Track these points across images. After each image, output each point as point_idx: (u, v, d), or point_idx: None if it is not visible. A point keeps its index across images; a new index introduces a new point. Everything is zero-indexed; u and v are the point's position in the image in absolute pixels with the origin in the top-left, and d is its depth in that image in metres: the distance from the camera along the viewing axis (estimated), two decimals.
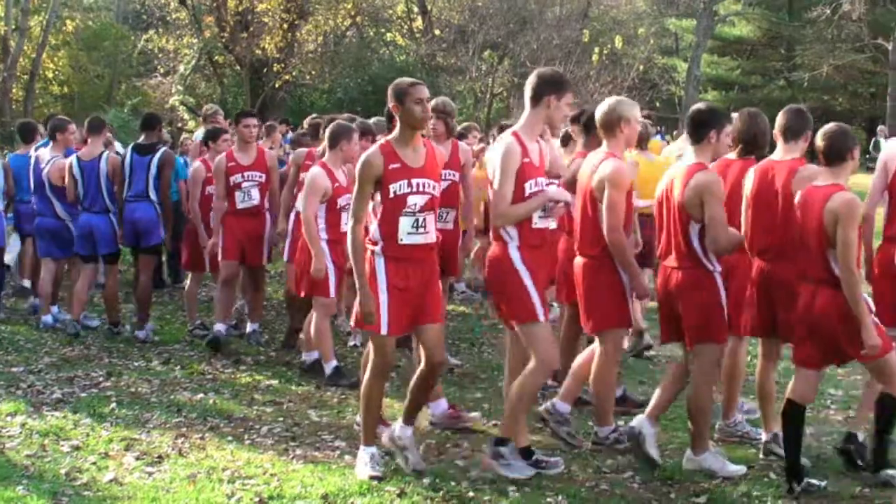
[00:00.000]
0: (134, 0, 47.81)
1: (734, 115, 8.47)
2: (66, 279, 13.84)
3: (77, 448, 8.23)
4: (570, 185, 8.38)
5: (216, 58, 39.45)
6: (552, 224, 7.72)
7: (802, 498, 7.21)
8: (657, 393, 7.99)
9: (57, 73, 40.45)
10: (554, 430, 8.44)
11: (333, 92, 38.81)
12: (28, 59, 37.16)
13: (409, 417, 7.77)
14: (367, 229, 7.50)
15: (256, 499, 7.11)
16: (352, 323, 8.03)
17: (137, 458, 7.98)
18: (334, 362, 10.47)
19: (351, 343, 11.92)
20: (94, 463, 7.87)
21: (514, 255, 7.49)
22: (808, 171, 7.71)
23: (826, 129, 7.36)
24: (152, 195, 12.38)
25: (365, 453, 7.65)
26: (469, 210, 10.93)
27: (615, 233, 7.84)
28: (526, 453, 7.70)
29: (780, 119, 8.07)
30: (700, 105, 8.00)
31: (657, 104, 43.64)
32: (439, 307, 7.78)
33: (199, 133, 16.67)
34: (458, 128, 12.80)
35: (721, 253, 7.50)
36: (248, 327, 12.39)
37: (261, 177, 12.01)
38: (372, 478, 7.43)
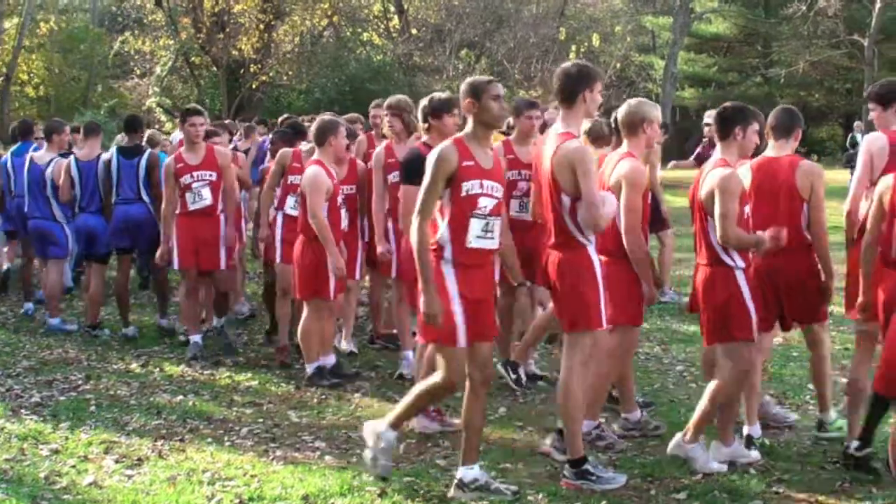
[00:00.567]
0: (110, 2, 47.73)
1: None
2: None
3: (56, 451, 8.20)
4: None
5: (193, 59, 39.43)
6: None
7: (785, 489, 7.24)
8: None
9: (32, 75, 40.29)
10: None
11: (311, 92, 38.82)
12: (3, 61, 37.02)
13: (399, 422, 7.37)
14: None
15: (237, 500, 7.08)
16: (418, 338, 7.81)
17: (117, 461, 7.95)
18: (317, 364, 10.38)
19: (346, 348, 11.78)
20: (73, 466, 7.84)
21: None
22: (808, 167, 7.91)
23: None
24: (145, 197, 12.46)
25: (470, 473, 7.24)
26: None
27: (632, 233, 7.86)
28: (581, 462, 7.48)
29: (771, 118, 8.17)
30: (728, 103, 8.03)
31: None
32: (494, 321, 7.39)
33: (177, 135, 16.66)
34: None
35: (732, 248, 7.47)
36: (214, 321, 12.08)
37: (211, 175, 11.56)
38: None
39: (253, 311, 13.70)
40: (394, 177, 10.22)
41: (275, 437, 8.63)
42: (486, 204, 6.95)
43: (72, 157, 13.01)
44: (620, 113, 8.19)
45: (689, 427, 7.75)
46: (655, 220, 11.54)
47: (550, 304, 8.54)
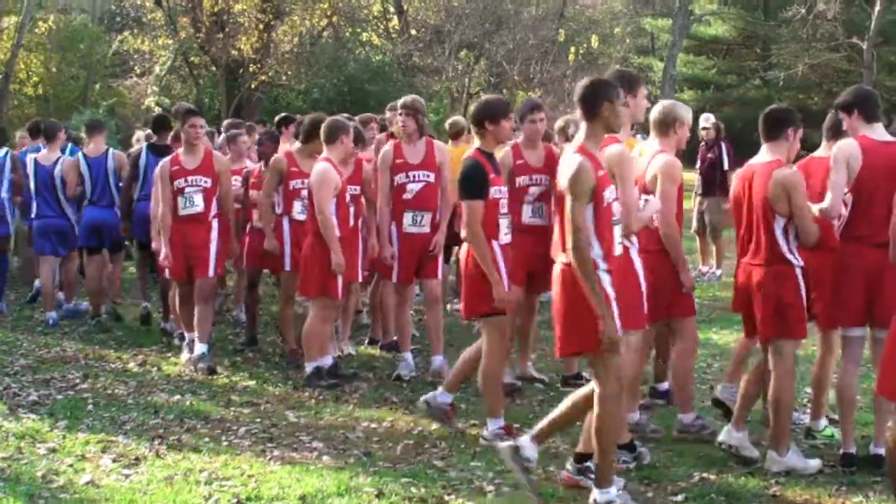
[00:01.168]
0: (109, 1, 47.69)
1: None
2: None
3: (54, 450, 8.20)
4: None
5: (192, 58, 39.36)
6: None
7: (782, 491, 7.25)
8: (738, 398, 8.20)
9: (31, 73, 40.27)
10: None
11: (310, 92, 38.75)
12: (1, 60, 37.00)
13: (544, 437, 7.36)
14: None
15: (234, 500, 7.09)
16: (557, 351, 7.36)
17: (114, 461, 7.96)
18: (317, 363, 10.34)
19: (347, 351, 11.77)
20: (70, 465, 7.85)
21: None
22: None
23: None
24: None
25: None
26: (446, 213, 10.72)
27: (668, 227, 8.00)
28: (630, 447, 7.79)
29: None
30: (775, 105, 8.28)
31: None
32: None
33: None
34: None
35: (809, 244, 7.64)
36: (197, 348, 11.08)
37: (206, 182, 11.17)
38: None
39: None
40: (401, 178, 10.32)
41: (272, 437, 8.63)
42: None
43: (80, 153, 13.62)
44: (653, 113, 8.32)
45: (773, 440, 7.83)
46: None
47: None
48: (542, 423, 7.29)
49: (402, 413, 9.38)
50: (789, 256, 7.62)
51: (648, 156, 8.32)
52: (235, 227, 11.88)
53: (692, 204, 17.13)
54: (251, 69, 36.08)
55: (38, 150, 14.48)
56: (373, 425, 8.99)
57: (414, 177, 10.41)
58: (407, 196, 10.41)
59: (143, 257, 13.42)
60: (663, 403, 9.47)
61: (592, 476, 7.22)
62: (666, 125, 8.24)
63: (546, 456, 8.09)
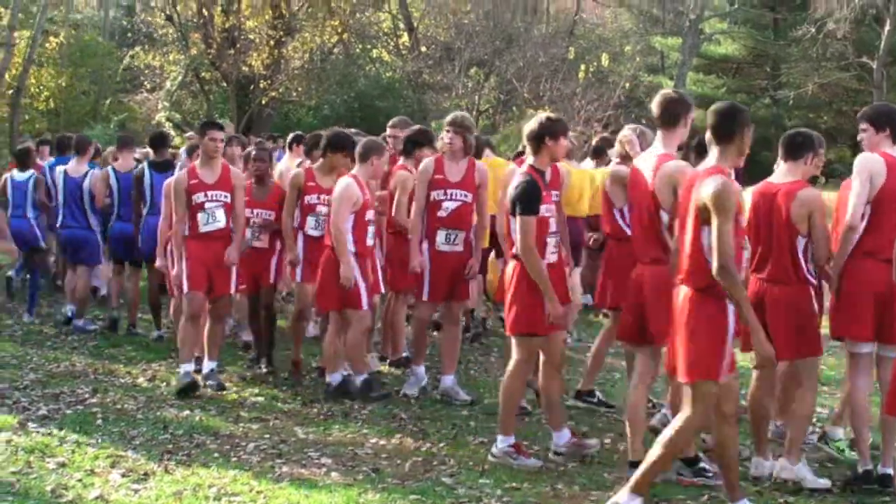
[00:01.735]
0: (120, 16, 47.85)
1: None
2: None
3: (63, 465, 8.20)
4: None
5: (203, 74, 39.48)
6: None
7: None
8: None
9: (42, 88, 40.37)
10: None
11: (320, 108, 38.87)
12: (13, 75, 37.11)
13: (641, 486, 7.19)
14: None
15: None
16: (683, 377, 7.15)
17: (123, 476, 7.96)
18: (365, 374, 10.46)
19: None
20: (79, 480, 7.85)
21: None
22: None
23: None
24: None
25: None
26: (481, 232, 10.64)
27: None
28: (693, 462, 7.92)
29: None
30: (798, 130, 8.38)
31: (643, 121, 43.60)
32: None
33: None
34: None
35: (821, 264, 7.83)
36: (206, 365, 11.00)
37: (226, 197, 10.83)
38: None
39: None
40: (438, 195, 10.23)
41: (281, 453, 8.63)
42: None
43: (109, 168, 13.97)
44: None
45: (787, 447, 7.93)
46: None
47: None
48: (638, 473, 7.13)
49: (410, 430, 9.38)
50: (808, 276, 7.74)
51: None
52: None
53: None
54: (262, 85, 36.15)
55: (61, 162, 14.94)
56: (381, 442, 8.99)
57: (451, 195, 10.28)
58: (441, 214, 10.29)
59: (154, 270, 13.11)
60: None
61: (710, 476, 7.77)
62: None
63: (553, 474, 8.10)
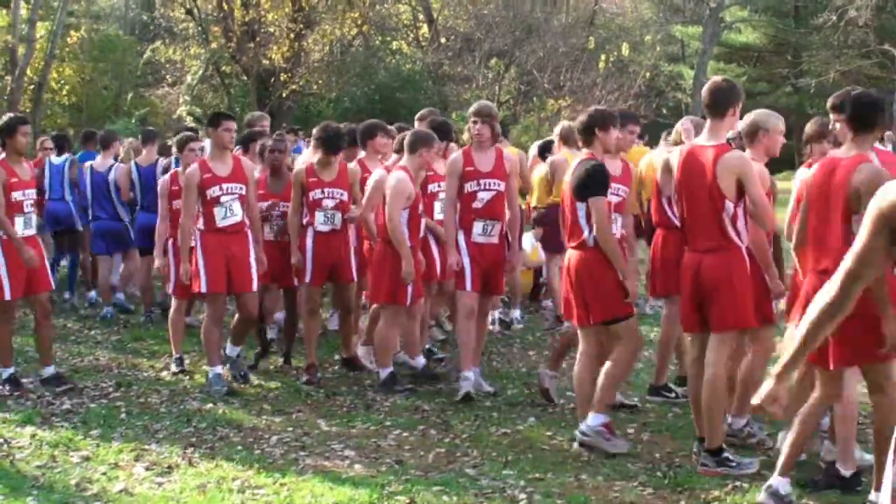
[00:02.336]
0: (141, 11, 47.96)
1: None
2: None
3: (87, 459, 8.24)
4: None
5: (223, 68, 39.59)
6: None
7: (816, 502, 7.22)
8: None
9: (62, 82, 40.50)
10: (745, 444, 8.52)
11: (340, 101, 38.88)
12: (35, 70, 37.24)
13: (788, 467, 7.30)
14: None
15: None
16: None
17: (147, 469, 7.98)
18: (391, 368, 10.47)
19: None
20: (104, 473, 7.87)
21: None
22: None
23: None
24: None
25: None
26: (515, 224, 10.53)
27: (755, 229, 8.01)
28: (717, 452, 7.90)
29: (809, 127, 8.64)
30: (864, 91, 8.02)
31: (664, 111, 43.57)
32: None
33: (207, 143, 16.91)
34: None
35: None
36: (229, 349, 10.97)
37: (241, 189, 10.53)
38: None
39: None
40: (471, 186, 10.03)
41: (304, 446, 8.64)
42: None
43: (132, 162, 14.41)
44: (743, 122, 8.35)
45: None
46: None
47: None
48: (783, 456, 7.20)
49: (433, 421, 9.37)
50: None
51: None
52: None
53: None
54: (282, 78, 36.23)
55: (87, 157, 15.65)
56: (404, 433, 8.99)
57: (485, 185, 10.08)
58: (477, 205, 10.08)
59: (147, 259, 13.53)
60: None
61: (733, 465, 7.75)
62: (751, 133, 8.27)
63: (577, 464, 8.09)
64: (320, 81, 38.52)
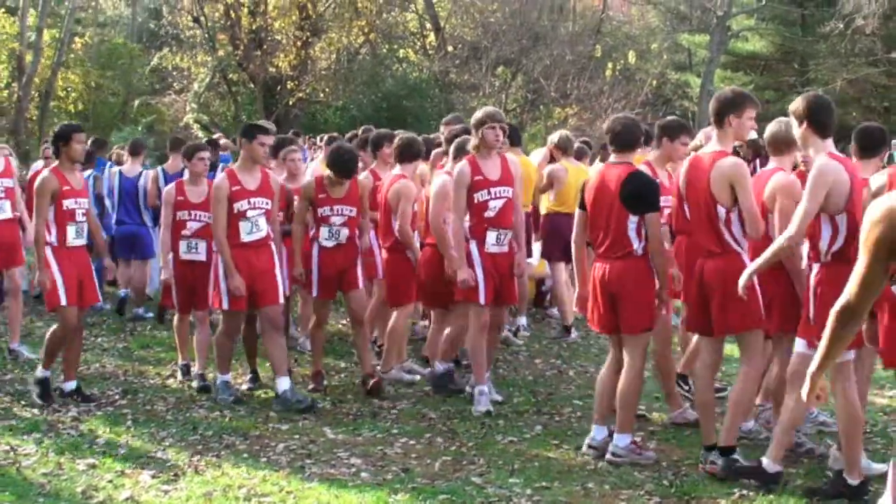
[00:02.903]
0: (149, 18, 48.04)
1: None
2: None
3: (93, 466, 8.23)
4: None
5: (230, 76, 39.61)
6: None
7: None
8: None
9: (69, 89, 40.57)
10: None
11: (347, 109, 38.89)
12: (42, 77, 37.32)
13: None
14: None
15: None
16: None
17: (153, 476, 7.98)
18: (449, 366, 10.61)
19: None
20: (110, 481, 7.87)
21: None
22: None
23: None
24: None
25: None
26: (521, 230, 10.41)
27: (790, 241, 7.90)
28: (728, 451, 7.97)
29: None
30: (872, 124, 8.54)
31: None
32: None
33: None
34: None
35: None
36: (282, 383, 10.18)
37: (267, 204, 10.24)
38: None
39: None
40: (482, 195, 9.81)
41: (310, 454, 8.63)
42: None
43: (159, 168, 14.98)
44: (769, 131, 8.37)
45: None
46: None
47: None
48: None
49: (440, 429, 9.37)
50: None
51: (765, 176, 8.37)
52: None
53: None
54: (289, 86, 36.27)
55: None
56: (411, 441, 8.99)
57: (496, 193, 9.89)
58: (489, 214, 9.87)
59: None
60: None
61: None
62: (779, 145, 8.28)
63: (583, 472, 8.08)
64: (327, 89, 38.56)
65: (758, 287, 7.80)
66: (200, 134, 38.68)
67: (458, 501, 7.41)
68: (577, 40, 43.01)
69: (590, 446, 8.61)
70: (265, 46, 36.29)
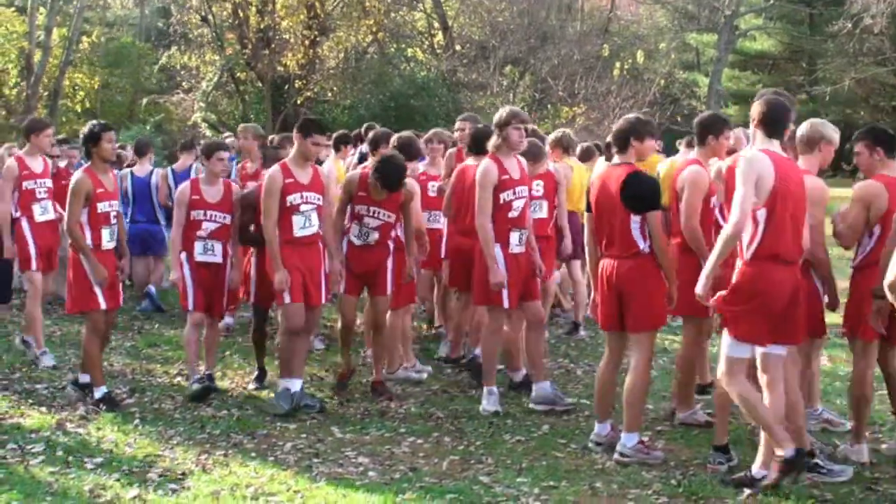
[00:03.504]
0: (157, 17, 48.09)
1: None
2: None
3: (101, 465, 8.23)
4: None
5: (238, 74, 39.64)
6: None
7: None
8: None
9: (77, 88, 40.59)
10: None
11: (355, 108, 38.87)
12: (50, 76, 37.36)
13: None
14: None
15: None
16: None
17: (161, 475, 7.98)
18: (526, 372, 10.59)
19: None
20: (117, 480, 7.87)
21: None
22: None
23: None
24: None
25: None
26: (530, 231, 10.21)
27: (816, 245, 8.06)
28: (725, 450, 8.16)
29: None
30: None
31: (679, 119, 43.53)
32: None
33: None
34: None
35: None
36: (295, 384, 9.96)
37: (319, 199, 9.96)
38: None
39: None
40: (507, 195, 9.71)
41: (318, 453, 8.63)
42: None
43: (168, 168, 15.84)
44: (801, 130, 8.35)
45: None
46: None
47: None
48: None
49: (447, 429, 9.36)
50: None
51: None
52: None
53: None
54: (297, 85, 36.29)
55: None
56: (419, 441, 8.99)
57: (518, 193, 9.82)
58: (513, 214, 9.79)
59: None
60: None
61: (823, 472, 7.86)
62: (812, 143, 8.26)
63: (591, 472, 8.08)
64: (335, 88, 38.57)
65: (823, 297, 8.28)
66: (208, 133, 38.75)
67: (466, 501, 7.41)
68: (585, 40, 43.03)
69: (595, 442, 8.67)
70: (273, 45, 36.31)
